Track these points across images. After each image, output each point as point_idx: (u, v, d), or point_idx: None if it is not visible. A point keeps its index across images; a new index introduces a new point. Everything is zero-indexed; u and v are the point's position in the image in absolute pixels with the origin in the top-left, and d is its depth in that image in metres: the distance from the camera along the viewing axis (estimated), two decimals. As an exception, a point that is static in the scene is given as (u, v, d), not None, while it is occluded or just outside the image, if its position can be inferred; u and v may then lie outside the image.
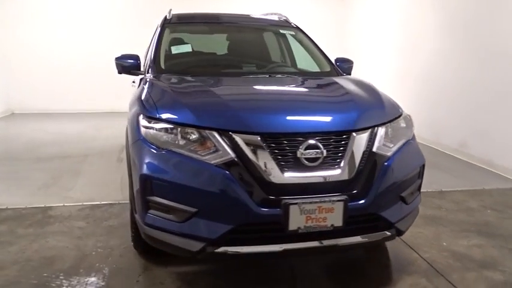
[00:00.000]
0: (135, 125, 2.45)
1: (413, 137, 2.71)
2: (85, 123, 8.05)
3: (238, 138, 2.17)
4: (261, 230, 2.21)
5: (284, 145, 2.21)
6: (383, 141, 2.41)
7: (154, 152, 2.25)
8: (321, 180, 2.22)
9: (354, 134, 2.33)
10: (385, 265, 2.86)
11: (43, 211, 3.63)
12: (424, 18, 6.78)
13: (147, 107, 2.46)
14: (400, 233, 2.48)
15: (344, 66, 3.69)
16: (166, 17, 3.82)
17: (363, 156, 2.31)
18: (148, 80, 2.98)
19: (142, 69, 3.47)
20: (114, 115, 8.80)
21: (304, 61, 3.90)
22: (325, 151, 2.23)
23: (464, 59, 5.77)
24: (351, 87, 2.87)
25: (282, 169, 2.17)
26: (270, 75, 3.34)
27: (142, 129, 2.36)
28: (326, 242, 2.26)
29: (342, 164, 2.26)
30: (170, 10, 3.90)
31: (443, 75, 6.25)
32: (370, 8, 8.80)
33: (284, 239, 2.22)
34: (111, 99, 9.11)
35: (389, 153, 2.41)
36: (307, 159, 2.20)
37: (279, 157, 2.18)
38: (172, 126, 2.27)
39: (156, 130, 2.30)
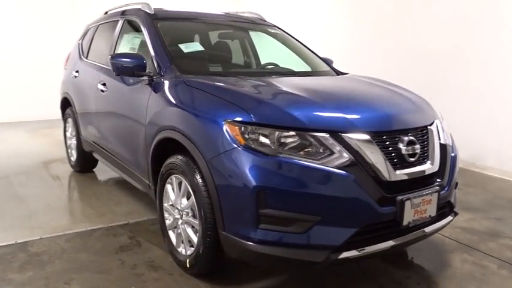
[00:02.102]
0: (219, 134, 2.19)
1: None
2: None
3: (350, 139, 2.13)
4: (377, 229, 2.21)
5: (390, 143, 2.24)
6: (443, 132, 2.62)
7: (264, 160, 2.06)
8: (422, 174, 2.32)
9: (429, 127, 2.48)
10: (427, 247, 3.08)
11: (21, 249, 2.94)
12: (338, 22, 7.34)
13: (237, 112, 2.21)
14: (455, 216, 2.73)
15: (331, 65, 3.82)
16: (146, 12, 3.41)
17: (440, 148, 2.48)
18: (191, 82, 2.65)
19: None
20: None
21: (291, 61, 3.89)
22: (419, 146, 2.33)
23: (382, 59, 6.44)
24: (389, 84, 3.00)
25: (394, 166, 2.20)
26: (299, 75, 3.27)
27: (237, 137, 2.12)
28: (427, 230, 2.37)
29: (430, 157, 2.39)
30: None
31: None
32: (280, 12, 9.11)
33: (394, 234, 2.26)
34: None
35: (450, 144, 2.63)
36: (409, 155, 2.27)
37: (388, 155, 2.21)
38: (278, 131, 2.10)
39: (261, 136, 2.10)
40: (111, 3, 4.67)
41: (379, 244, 2.20)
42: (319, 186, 2.05)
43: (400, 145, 2.25)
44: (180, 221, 2.59)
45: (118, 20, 3.87)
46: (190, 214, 2.51)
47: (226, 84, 2.57)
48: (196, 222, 2.43)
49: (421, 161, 2.35)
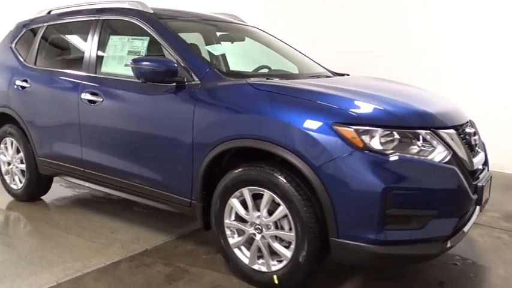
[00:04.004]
0: (330, 138, 2.10)
1: None
2: None
3: (444, 134, 2.26)
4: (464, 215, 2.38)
5: (463, 135, 2.44)
6: None
7: (384, 160, 2.07)
8: (483, 161, 2.58)
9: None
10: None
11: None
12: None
13: (346, 115, 2.16)
14: None
15: None
16: (147, 11, 3.07)
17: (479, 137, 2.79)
18: (263, 86, 2.47)
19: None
20: None
21: (280, 62, 3.86)
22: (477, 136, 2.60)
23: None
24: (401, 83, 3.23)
25: (473, 157, 2.41)
26: (318, 76, 3.27)
27: (354, 140, 2.08)
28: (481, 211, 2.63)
29: (479, 147, 2.67)
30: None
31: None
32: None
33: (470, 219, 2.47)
34: None
35: None
36: (475, 145, 2.51)
37: (466, 146, 2.40)
38: (388, 131, 2.13)
39: (374, 137, 2.09)
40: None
41: (464, 229, 2.39)
42: (433, 181, 2.13)
43: (468, 137, 2.48)
44: (258, 236, 2.41)
45: (92, 20, 3.36)
46: (273, 227, 2.35)
47: (313, 87, 2.48)
48: (288, 234, 2.29)
49: (478, 150, 2.61)
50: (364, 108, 2.23)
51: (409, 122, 2.19)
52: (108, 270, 2.69)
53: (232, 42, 3.57)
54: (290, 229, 2.31)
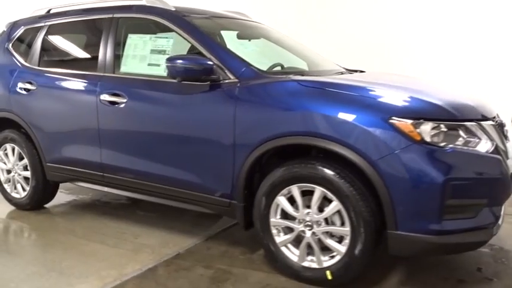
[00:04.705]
0: (388, 132, 2.14)
1: None
2: None
3: (486, 125, 2.34)
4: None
5: (497, 126, 2.54)
6: None
7: (443, 152, 2.13)
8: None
9: None
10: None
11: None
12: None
13: (401, 109, 2.20)
14: None
15: None
16: (170, 9, 3.00)
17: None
18: (312, 82, 2.47)
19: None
20: None
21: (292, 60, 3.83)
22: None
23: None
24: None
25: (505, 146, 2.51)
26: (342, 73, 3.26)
27: (411, 133, 2.12)
28: None
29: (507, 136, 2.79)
30: None
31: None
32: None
33: None
34: None
35: None
36: (505, 136, 2.62)
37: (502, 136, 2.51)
38: (437, 124, 2.17)
39: (430, 129, 2.14)
40: None
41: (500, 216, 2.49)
42: (484, 171, 2.21)
43: (500, 128, 2.58)
44: (308, 233, 2.40)
45: (105, 19, 3.23)
46: (324, 223, 2.36)
47: (358, 83, 2.50)
48: (342, 229, 2.30)
49: (508, 140, 2.72)
50: (415, 102, 2.27)
51: (456, 115, 2.25)
52: (147, 277, 2.61)
53: (249, 40, 3.54)
54: (342, 224, 2.33)
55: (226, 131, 2.56)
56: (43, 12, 3.77)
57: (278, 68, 3.34)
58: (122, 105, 2.96)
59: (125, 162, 3.05)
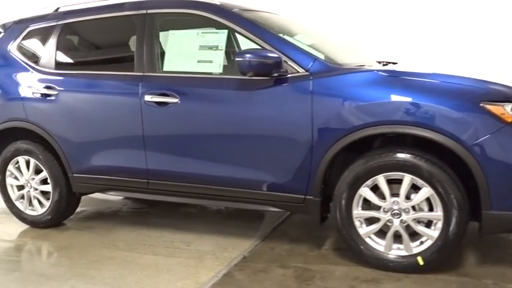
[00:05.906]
0: (481, 117, 2.21)
1: None
2: None
3: None
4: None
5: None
6: None
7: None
8: None
9: None
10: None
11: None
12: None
13: (488, 93, 2.27)
14: None
15: None
16: (216, 4, 2.88)
17: None
18: (402, 73, 2.50)
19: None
20: None
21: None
22: None
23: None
24: None
25: None
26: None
27: (503, 116, 2.19)
28: None
29: None
30: None
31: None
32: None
33: None
34: None
35: None
36: None
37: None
38: None
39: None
40: None
41: None
42: None
43: None
44: (396, 222, 2.41)
45: (135, 15, 3.02)
46: (412, 210, 2.39)
47: (440, 71, 2.53)
48: (435, 214, 2.34)
49: None
50: (497, 86, 2.35)
51: None
52: (228, 283, 2.48)
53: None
54: (430, 209, 2.37)
55: (303, 126, 2.50)
56: (50, 10, 3.47)
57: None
58: (174, 106, 2.79)
59: (178, 166, 2.87)
